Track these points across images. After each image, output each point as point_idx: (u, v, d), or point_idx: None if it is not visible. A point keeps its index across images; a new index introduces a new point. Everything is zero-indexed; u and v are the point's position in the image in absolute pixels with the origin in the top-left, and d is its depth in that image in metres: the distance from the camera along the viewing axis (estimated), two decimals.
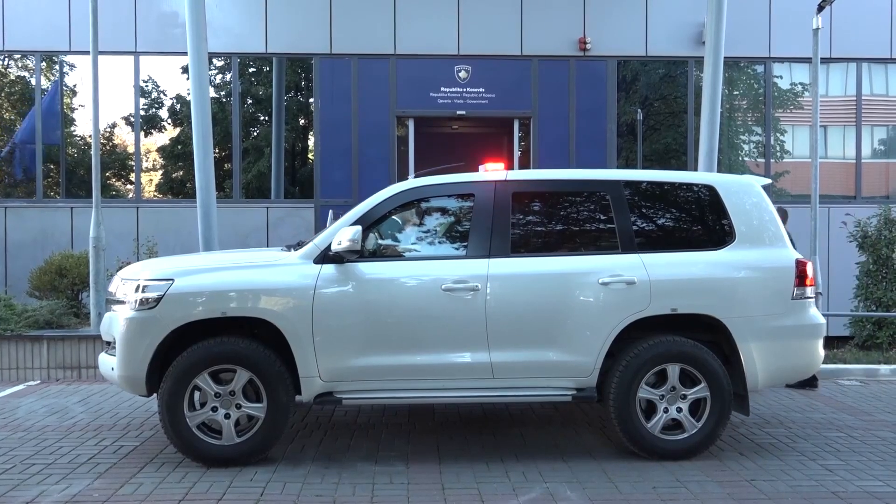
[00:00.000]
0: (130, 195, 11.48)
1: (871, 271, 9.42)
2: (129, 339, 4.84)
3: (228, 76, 11.39)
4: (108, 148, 11.62)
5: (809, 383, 7.17)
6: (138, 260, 8.92)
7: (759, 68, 11.69)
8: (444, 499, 4.34)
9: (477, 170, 5.54)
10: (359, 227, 4.89)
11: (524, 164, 11.33)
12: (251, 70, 11.75)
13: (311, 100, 11.35)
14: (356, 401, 5.00)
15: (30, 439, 5.56)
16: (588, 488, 4.51)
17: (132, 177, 11.48)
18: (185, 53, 9.39)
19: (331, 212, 8.87)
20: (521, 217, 5.27)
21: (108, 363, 5.05)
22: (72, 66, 11.42)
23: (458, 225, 5.35)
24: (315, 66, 11.11)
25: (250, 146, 11.54)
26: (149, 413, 6.28)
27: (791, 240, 5.50)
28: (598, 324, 4.99)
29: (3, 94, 11.72)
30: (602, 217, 5.28)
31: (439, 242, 5.34)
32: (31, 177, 11.20)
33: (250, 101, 11.70)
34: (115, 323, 4.97)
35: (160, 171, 11.97)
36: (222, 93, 11.47)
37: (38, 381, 7.74)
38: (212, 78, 11.10)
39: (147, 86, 11.42)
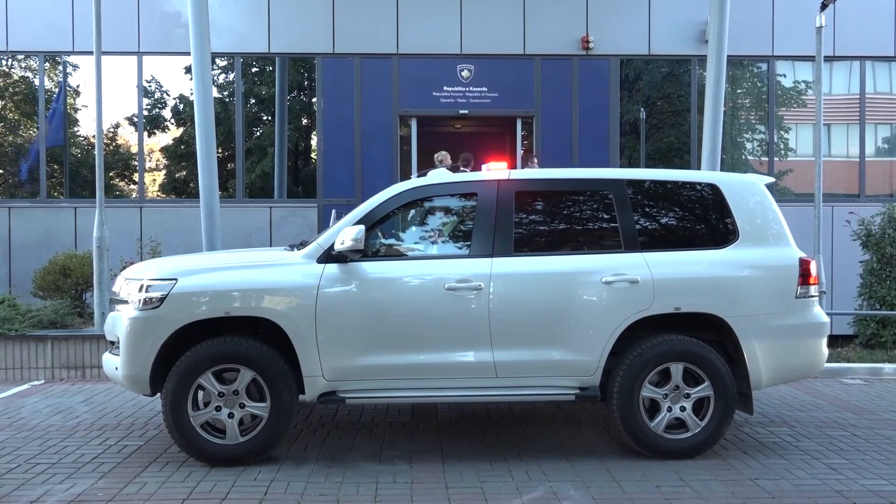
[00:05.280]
0: (134, 195, 11.50)
1: (874, 270, 9.40)
2: (133, 339, 4.85)
3: (231, 76, 11.40)
4: (111, 148, 11.65)
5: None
6: (142, 260, 8.93)
7: (763, 66, 11.67)
8: (447, 498, 4.34)
9: (479, 169, 5.53)
10: (362, 227, 4.89)
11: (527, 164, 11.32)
12: (254, 70, 11.76)
13: (314, 99, 11.35)
14: (359, 400, 5.00)
15: (34, 439, 5.57)
16: (592, 487, 4.50)
17: (135, 177, 11.50)
18: (188, 53, 9.40)
19: (334, 211, 8.89)
20: (524, 216, 5.26)
21: (112, 363, 5.06)
22: (75, 67, 11.45)
23: (461, 224, 5.34)
24: (318, 66, 11.12)
25: (253, 146, 11.55)
26: (153, 412, 6.29)
27: None
28: (601, 323, 4.99)
29: (7, 95, 11.74)
30: (605, 216, 5.27)
31: (442, 242, 5.34)
32: (35, 177, 11.23)
33: (253, 101, 11.71)
34: (118, 322, 4.98)
35: (163, 171, 12.00)
36: (225, 93, 11.48)
37: (43, 381, 7.75)
38: (215, 78, 11.11)
39: (150, 86, 11.44)
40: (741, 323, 5.03)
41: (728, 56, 9.46)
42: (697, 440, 5.03)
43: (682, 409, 5.04)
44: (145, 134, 11.42)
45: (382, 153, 11.11)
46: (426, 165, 10.66)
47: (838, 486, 4.55)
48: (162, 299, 4.83)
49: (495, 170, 5.39)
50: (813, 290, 5.23)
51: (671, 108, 11.93)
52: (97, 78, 8.58)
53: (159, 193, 11.78)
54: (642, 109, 11.60)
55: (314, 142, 11.52)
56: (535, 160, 10.35)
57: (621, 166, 11.19)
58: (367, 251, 5.00)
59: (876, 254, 9.37)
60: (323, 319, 4.86)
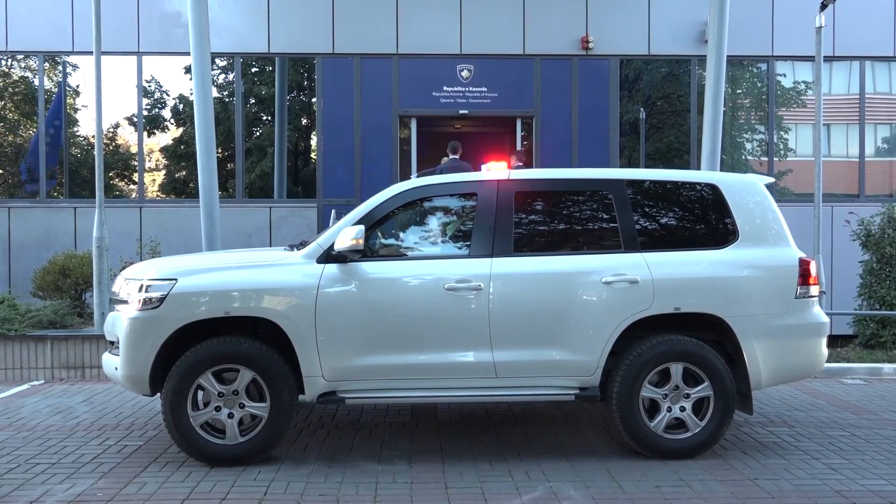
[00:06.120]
0: (133, 195, 11.49)
1: (874, 270, 9.40)
2: (133, 339, 4.85)
3: (231, 76, 11.40)
4: (111, 148, 11.64)
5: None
6: (141, 260, 8.93)
7: (762, 66, 11.67)
8: (447, 498, 4.34)
9: (479, 169, 5.54)
10: (362, 227, 4.89)
11: (526, 164, 11.31)
12: (254, 70, 11.76)
13: (314, 99, 11.35)
14: (359, 400, 5.01)
15: (34, 439, 5.57)
16: (591, 487, 4.51)
17: (135, 177, 11.50)
18: (187, 53, 9.40)
19: (333, 211, 8.88)
20: (524, 216, 5.26)
21: (112, 363, 5.06)
22: (75, 67, 11.44)
23: (460, 224, 5.34)
24: (318, 66, 11.12)
25: (253, 146, 11.55)
26: (152, 413, 6.30)
27: None
28: (601, 323, 4.99)
29: (7, 95, 11.73)
30: (605, 216, 5.27)
31: (442, 242, 5.34)
32: (35, 177, 11.23)
33: (253, 101, 11.71)
34: (118, 323, 4.98)
35: (163, 171, 12.00)
36: (225, 93, 11.48)
37: (42, 381, 7.75)
38: (214, 78, 11.11)
39: (150, 86, 11.44)
40: (741, 323, 5.03)
41: (728, 56, 9.46)
42: (697, 440, 5.03)
43: (682, 409, 5.04)
44: (145, 134, 11.41)
45: (382, 153, 11.11)
46: (426, 165, 10.67)
47: (838, 486, 4.56)
48: (162, 299, 4.83)
49: (495, 170, 5.39)
50: (813, 290, 5.23)
51: (671, 109, 11.92)
52: (97, 78, 8.57)
53: (159, 193, 11.77)
54: (642, 109, 11.60)
55: (314, 142, 11.52)
56: (523, 157, 10.14)
57: (621, 166, 11.19)
58: (366, 251, 5.00)
59: (876, 254, 9.38)
60: (323, 319, 4.86)
